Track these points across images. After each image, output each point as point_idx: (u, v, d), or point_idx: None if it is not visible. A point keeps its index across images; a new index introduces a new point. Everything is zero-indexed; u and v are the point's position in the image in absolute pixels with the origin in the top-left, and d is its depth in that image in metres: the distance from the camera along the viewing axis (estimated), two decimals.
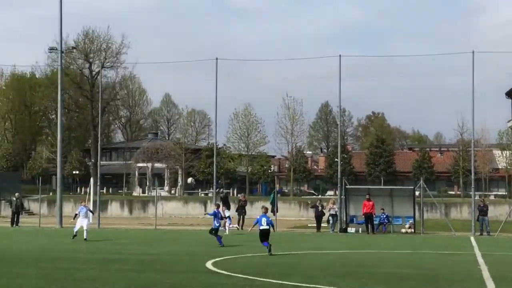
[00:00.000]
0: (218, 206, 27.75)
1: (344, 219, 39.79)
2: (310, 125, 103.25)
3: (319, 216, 39.75)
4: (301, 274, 16.19)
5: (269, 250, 21.39)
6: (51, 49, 51.01)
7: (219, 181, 72.16)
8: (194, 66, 79.58)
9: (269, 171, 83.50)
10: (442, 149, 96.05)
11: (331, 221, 38.83)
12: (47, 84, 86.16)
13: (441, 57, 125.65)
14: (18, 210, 43.49)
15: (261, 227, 22.20)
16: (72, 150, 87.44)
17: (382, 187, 57.65)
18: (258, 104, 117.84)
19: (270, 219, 22.66)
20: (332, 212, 38.88)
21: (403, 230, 38.32)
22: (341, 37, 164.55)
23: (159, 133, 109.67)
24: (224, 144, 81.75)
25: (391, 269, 17.93)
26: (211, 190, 68.12)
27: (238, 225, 40.20)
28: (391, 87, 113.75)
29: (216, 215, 25.81)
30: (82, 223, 28.51)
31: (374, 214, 37.66)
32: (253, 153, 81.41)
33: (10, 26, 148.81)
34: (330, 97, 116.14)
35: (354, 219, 39.56)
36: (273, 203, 41.00)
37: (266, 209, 23.95)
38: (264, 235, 21.95)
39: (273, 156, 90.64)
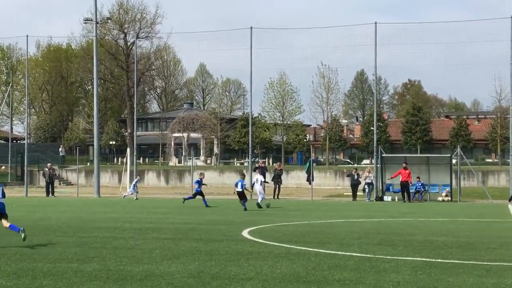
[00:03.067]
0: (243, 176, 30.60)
1: (380, 187, 39.69)
2: (345, 93, 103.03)
3: (355, 185, 39.65)
4: (337, 242, 16.17)
5: (245, 207, 27.64)
6: (86, 20, 51.19)
7: (255, 150, 72.30)
8: (229, 35, 79.36)
9: (305, 140, 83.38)
10: (479, 116, 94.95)
11: (367, 190, 38.73)
12: (82, 55, 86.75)
13: (478, 23, 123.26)
14: (51, 180, 44.04)
15: (237, 190, 28.45)
16: (108, 121, 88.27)
17: (418, 155, 57.22)
18: (293, 73, 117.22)
19: (244, 182, 28.93)
20: (368, 180, 38.76)
21: (440, 198, 38.10)
22: (377, 4, 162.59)
23: (194, 103, 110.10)
24: (259, 114, 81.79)
25: (427, 236, 17.81)
26: (246, 160, 68.26)
27: (274, 194, 40.31)
28: (427, 55, 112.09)
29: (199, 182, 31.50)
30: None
31: (411, 183, 37.47)
32: (288, 122, 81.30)
33: None
34: (366, 65, 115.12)
35: (390, 187, 39.41)
36: (309, 172, 41.01)
37: (243, 175, 31.12)
38: (240, 196, 28.36)
39: (309, 125, 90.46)
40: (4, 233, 18.20)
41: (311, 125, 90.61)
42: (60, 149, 75.87)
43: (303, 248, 14.90)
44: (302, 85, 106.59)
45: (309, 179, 40.81)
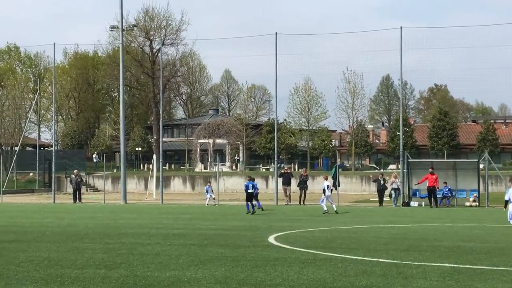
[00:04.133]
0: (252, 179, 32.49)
1: (407, 193, 39.46)
2: (371, 98, 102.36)
3: (381, 190, 39.45)
4: (363, 248, 16.09)
5: (254, 210, 29.88)
6: (112, 27, 51.55)
7: (280, 156, 72.22)
8: (254, 41, 79.59)
9: (330, 145, 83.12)
10: (507, 120, 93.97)
11: (393, 195, 38.52)
12: (109, 62, 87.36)
13: (505, 26, 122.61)
14: (79, 187, 44.27)
15: (249, 191, 30.69)
16: (134, 127, 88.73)
17: (445, 160, 56.77)
18: (318, 79, 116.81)
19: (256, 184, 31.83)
20: (395, 186, 38.54)
21: (467, 204, 37.77)
22: (402, 8, 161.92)
23: (219, 109, 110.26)
24: (285, 119, 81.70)
25: (455, 242, 17.66)
26: (272, 166, 68.20)
27: (300, 200, 40.23)
28: (453, 59, 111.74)
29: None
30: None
31: (438, 188, 37.20)
32: (313, 128, 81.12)
33: (72, 6, 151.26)
34: (391, 70, 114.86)
35: (417, 192, 39.16)
36: (335, 178, 40.85)
37: (253, 178, 33.20)
38: (250, 197, 30.45)
39: (334, 131, 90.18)
40: (32, 239, 18.38)
41: (336, 130, 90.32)
42: (94, 155, 76.37)
43: (330, 254, 14.85)
44: (327, 90, 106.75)
45: (335, 185, 40.67)
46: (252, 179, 32.15)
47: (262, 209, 32.28)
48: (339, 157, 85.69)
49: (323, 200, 31.32)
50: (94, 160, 73.09)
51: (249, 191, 30.85)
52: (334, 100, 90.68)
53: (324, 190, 31.60)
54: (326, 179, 33.52)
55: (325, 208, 30.74)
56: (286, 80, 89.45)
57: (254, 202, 31.07)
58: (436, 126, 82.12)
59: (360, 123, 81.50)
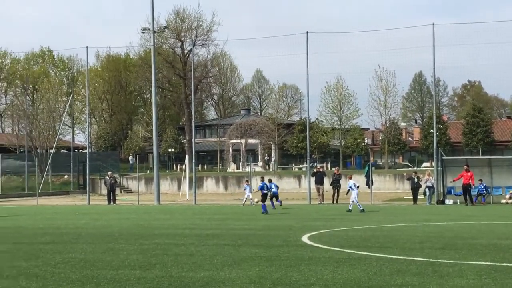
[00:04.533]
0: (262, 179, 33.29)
1: (441, 190, 39.10)
2: (403, 96, 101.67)
3: (415, 188, 39.15)
4: (398, 246, 15.97)
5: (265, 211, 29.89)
6: (144, 29, 51.93)
7: (312, 155, 72.05)
8: (285, 40, 79.58)
9: (363, 144, 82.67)
10: None
11: (427, 193, 38.20)
12: (141, 64, 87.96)
13: None
14: (113, 188, 44.60)
15: (264, 191, 31.23)
16: (167, 128, 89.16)
17: (480, 157, 56.14)
18: (350, 77, 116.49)
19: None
20: (429, 184, 38.22)
21: (503, 201, 37.32)
22: (434, 5, 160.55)
23: (251, 109, 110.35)
24: (317, 118, 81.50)
25: (491, 240, 17.45)
26: (304, 165, 68.07)
27: (333, 199, 40.11)
28: (487, 55, 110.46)
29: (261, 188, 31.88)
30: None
31: (473, 185, 36.81)
32: (346, 126, 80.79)
33: (104, 9, 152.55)
34: (424, 67, 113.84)
35: (452, 190, 38.79)
36: (368, 176, 40.66)
37: (270, 179, 33.78)
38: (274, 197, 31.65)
39: (367, 129, 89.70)
40: (68, 240, 18.56)
41: (369, 128, 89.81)
42: (129, 157, 76.92)
43: (364, 253, 14.76)
44: (359, 88, 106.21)
45: (368, 183, 40.47)
46: (269, 180, 32.78)
47: (281, 205, 33.74)
48: (372, 155, 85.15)
49: (356, 199, 31.25)
50: (130, 162, 73.59)
51: (264, 191, 31.30)
52: (366, 98, 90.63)
53: (349, 190, 31.58)
54: (351, 178, 33.83)
55: (361, 207, 30.69)
56: (318, 78, 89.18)
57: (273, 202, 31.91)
58: (470, 122, 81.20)
59: (393, 121, 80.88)
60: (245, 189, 39.78)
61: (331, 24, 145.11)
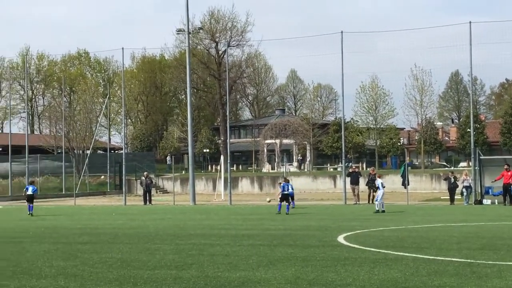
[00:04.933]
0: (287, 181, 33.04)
1: (479, 190, 38.63)
2: (440, 95, 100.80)
3: (452, 188, 38.75)
4: (435, 247, 15.82)
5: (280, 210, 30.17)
6: (179, 30, 52.11)
7: (348, 155, 71.75)
8: (319, 40, 79.26)
9: (399, 143, 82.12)
10: None
11: (465, 193, 37.78)
12: (175, 65, 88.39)
13: None
14: (149, 189, 44.87)
15: (285, 192, 31.04)
16: (202, 129, 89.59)
17: None
18: (385, 76, 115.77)
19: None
20: (466, 184, 37.78)
21: None
22: (471, 2, 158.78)
23: (286, 109, 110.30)
24: (352, 118, 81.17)
25: None
26: (339, 165, 67.83)
27: (369, 199, 39.88)
28: None
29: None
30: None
31: None
32: (381, 126, 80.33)
33: (139, 10, 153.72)
34: (460, 65, 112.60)
35: (490, 190, 38.29)
36: (404, 176, 40.35)
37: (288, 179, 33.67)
38: (287, 198, 30.86)
39: (402, 129, 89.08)
40: (105, 240, 18.74)
41: (404, 128, 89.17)
42: (167, 157, 77.28)
43: (401, 253, 14.66)
44: (394, 88, 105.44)
45: (404, 183, 40.15)
46: (287, 181, 32.73)
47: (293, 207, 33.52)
48: (408, 155, 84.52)
49: (380, 198, 31.02)
50: (168, 163, 73.91)
51: (285, 192, 31.32)
52: (402, 97, 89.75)
53: (378, 188, 31.45)
54: (379, 177, 33.68)
55: (382, 208, 30.60)
56: (353, 78, 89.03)
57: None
58: (509, 122, 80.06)
59: (429, 120, 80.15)
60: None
61: (366, 23, 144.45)
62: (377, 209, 30.67)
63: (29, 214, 32.41)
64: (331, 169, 76.32)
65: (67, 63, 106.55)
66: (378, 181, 32.07)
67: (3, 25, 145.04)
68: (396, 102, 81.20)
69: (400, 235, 19.04)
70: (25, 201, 34.68)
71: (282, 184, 32.10)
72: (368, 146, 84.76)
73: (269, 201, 40.08)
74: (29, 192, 33.45)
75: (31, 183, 35.83)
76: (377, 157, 78.47)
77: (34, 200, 34.07)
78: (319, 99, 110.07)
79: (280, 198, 31.50)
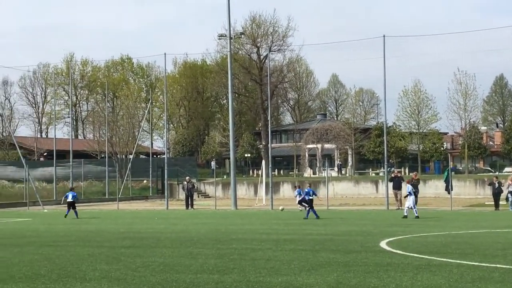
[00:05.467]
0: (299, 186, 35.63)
1: None
2: (484, 99, 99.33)
3: (496, 194, 38.14)
4: (480, 253, 15.60)
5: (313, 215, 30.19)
6: (220, 36, 52.48)
7: (390, 160, 71.18)
8: (361, 44, 78.87)
9: (442, 148, 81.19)
10: None
11: (510, 199, 37.15)
12: (217, 70, 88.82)
13: None
14: (191, 193, 45.06)
15: (310, 197, 31.47)
16: (243, 134, 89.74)
17: None
18: (428, 80, 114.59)
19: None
20: (511, 189, 37.17)
21: None
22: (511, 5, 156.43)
23: (327, 114, 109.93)
24: (394, 123, 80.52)
25: None
26: (382, 170, 67.33)
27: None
28: None
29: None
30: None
31: None
32: (424, 131, 79.55)
33: (181, 16, 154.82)
34: (505, 69, 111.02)
35: None
36: (447, 181, 39.89)
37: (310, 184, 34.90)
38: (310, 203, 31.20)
39: (446, 133, 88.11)
40: (148, 244, 18.88)
41: (448, 132, 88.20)
42: (212, 162, 77.50)
43: (445, 259, 14.49)
44: (437, 92, 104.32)
45: (448, 189, 39.68)
46: (299, 187, 34.32)
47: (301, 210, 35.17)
48: (451, 160, 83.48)
49: (412, 204, 30.56)
50: (212, 167, 73.99)
51: (310, 197, 31.61)
52: (445, 101, 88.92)
53: (409, 194, 31.04)
54: (408, 182, 33.13)
55: (406, 214, 30.30)
56: (395, 82, 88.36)
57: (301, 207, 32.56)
58: None
59: (473, 124, 79.12)
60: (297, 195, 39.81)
61: (408, 27, 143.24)
62: (405, 214, 30.31)
63: (65, 216, 33.67)
64: (373, 174, 75.81)
65: (110, 69, 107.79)
66: (409, 187, 31.60)
67: (49, 32, 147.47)
68: (439, 107, 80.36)
69: (444, 241, 18.82)
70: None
71: (297, 190, 32.39)
72: (410, 151, 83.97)
73: (282, 209, 39.98)
74: (69, 199, 34.40)
75: (72, 189, 36.47)
76: (420, 162, 77.68)
77: (76, 205, 34.95)
78: (361, 103, 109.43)
79: (305, 203, 31.62)
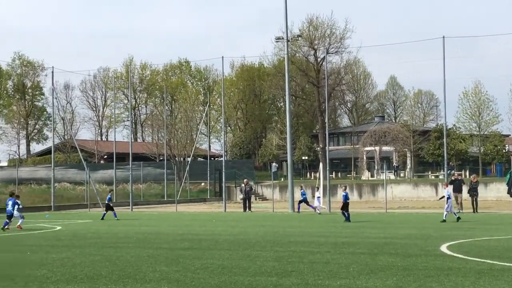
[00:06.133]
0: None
1: None
2: None
3: None
4: None
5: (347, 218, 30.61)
6: (278, 38, 52.38)
7: (450, 162, 70.12)
8: (420, 46, 78.02)
9: (504, 150, 79.63)
10: None
11: None
12: (274, 73, 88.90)
13: None
14: (248, 196, 45.17)
15: (348, 200, 31.41)
16: (300, 136, 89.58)
17: None
18: (489, 82, 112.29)
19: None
20: None
21: None
22: None
23: (385, 116, 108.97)
24: (454, 125, 79.36)
25: None
26: (441, 172, 66.36)
27: (473, 208, 38.73)
28: None
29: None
30: None
31: None
32: (485, 133, 78.18)
33: (239, 19, 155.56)
34: None
35: None
36: (510, 185, 39.06)
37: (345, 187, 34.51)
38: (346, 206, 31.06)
39: (508, 135, 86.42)
40: (206, 246, 19.00)
41: (510, 135, 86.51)
42: (273, 164, 77.60)
43: (507, 264, 14.19)
44: (499, 93, 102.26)
45: (510, 192, 38.83)
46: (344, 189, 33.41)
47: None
48: None
49: (450, 207, 30.02)
50: (273, 170, 74.07)
51: (348, 200, 31.64)
52: (507, 103, 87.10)
53: (448, 198, 30.40)
54: (447, 186, 32.38)
55: (445, 218, 29.78)
56: (455, 84, 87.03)
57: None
58: None
59: None
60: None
61: (468, 27, 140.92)
62: (444, 218, 29.77)
63: (102, 219, 34.97)
64: (433, 177, 74.79)
65: (169, 72, 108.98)
66: (445, 191, 31.01)
67: (109, 38, 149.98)
68: (501, 108, 78.78)
69: (506, 245, 18.44)
70: (128, 207, 36.03)
71: (344, 193, 32.10)
72: (471, 153, 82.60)
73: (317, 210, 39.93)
74: (105, 201, 36.15)
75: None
76: (481, 164, 76.35)
77: (135, 207, 35.90)
78: (419, 105, 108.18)
79: (342, 207, 31.60)
